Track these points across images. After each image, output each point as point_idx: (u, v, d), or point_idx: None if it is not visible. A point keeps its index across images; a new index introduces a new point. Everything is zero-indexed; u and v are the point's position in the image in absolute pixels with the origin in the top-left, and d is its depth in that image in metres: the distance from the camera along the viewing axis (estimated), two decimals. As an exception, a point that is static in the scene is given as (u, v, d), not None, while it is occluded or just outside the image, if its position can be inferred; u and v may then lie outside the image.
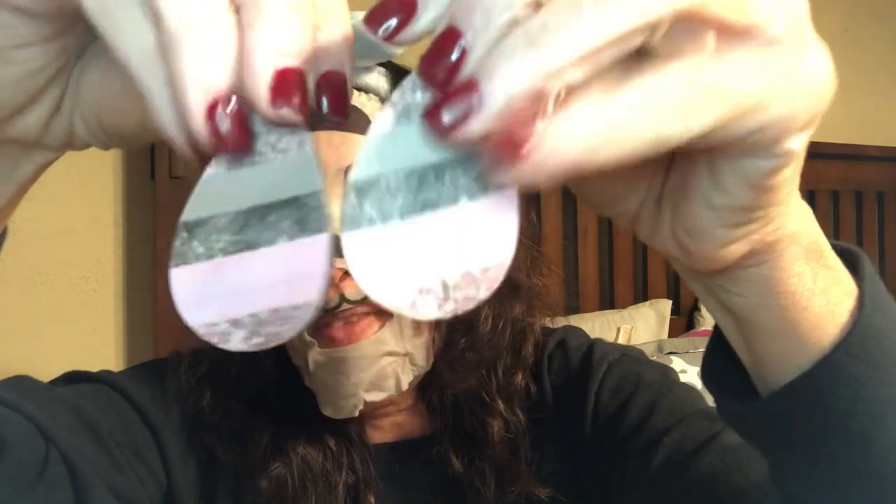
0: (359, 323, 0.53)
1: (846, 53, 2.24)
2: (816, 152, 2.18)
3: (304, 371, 0.56)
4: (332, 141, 0.52)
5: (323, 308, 0.46)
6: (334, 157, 0.52)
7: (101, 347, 1.35)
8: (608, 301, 1.75)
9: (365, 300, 0.52)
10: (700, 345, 1.44)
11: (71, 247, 1.33)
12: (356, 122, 0.54)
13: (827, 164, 2.04)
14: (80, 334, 1.34)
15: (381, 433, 0.62)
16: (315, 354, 0.54)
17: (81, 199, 1.33)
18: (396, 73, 0.58)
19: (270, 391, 0.60)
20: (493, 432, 0.57)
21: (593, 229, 1.71)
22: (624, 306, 1.72)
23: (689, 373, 1.34)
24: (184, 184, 1.30)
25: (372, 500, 0.58)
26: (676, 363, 1.36)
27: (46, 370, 1.41)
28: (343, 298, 0.52)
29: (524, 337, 0.61)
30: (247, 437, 0.58)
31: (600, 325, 1.60)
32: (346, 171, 0.52)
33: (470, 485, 0.57)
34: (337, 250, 0.21)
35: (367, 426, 0.61)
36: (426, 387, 0.60)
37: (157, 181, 1.29)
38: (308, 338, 0.54)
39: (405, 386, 0.55)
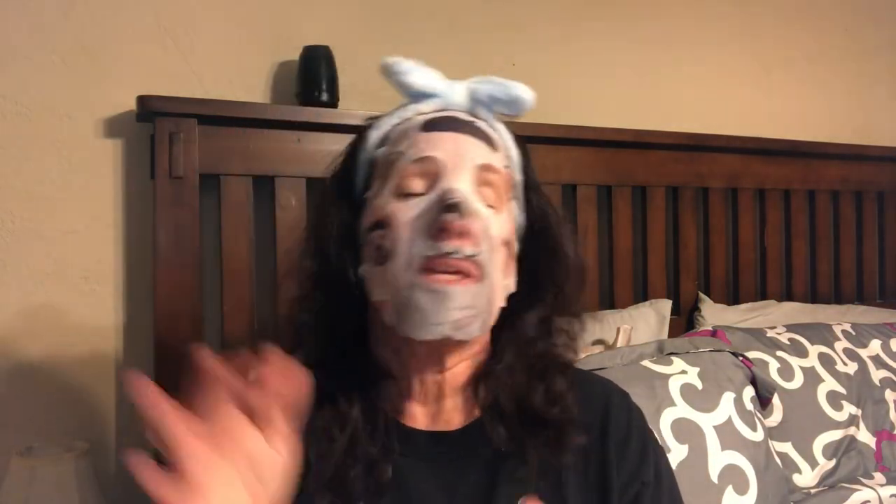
0: (459, 277, 0.65)
1: (846, 53, 2.25)
2: (816, 152, 2.17)
3: (387, 305, 0.68)
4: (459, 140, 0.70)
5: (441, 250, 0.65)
6: (470, 154, 0.70)
7: (101, 347, 1.35)
8: (608, 301, 1.74)
9: (472, 257, 0.65)
10: (700, 345, 1.43)
11: (71, 247, 1.33)
12: (475, 131, 0.72)
13: (827, 164, 2.05)
14: (81, 334, 1.34)
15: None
16: (420, 282, 0.65)
17: (81, 199, 1.33)
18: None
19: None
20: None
21: (593, 229, 1.71)
22: (624, 306, 1.71)
23: (690, 373, 1.33)
24: (184, 184, 1.30)
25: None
26: (676, 363, 1.35)
27: (46, 369, 1.41)
28: (458, 248, 0.65)
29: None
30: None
31: (600, 325, 1.59)
32: (479, 167, 0.70)
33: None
34: None
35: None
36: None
37: (157, 181, 1.29)
38: (414, 269, 0.65)
39: (475, 334, 0.68)
